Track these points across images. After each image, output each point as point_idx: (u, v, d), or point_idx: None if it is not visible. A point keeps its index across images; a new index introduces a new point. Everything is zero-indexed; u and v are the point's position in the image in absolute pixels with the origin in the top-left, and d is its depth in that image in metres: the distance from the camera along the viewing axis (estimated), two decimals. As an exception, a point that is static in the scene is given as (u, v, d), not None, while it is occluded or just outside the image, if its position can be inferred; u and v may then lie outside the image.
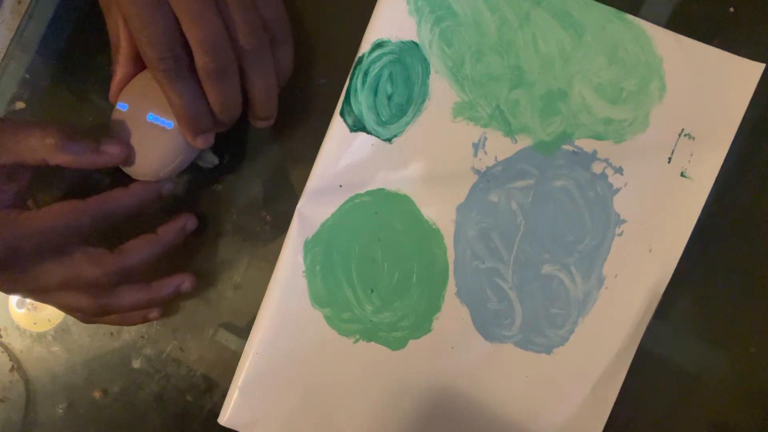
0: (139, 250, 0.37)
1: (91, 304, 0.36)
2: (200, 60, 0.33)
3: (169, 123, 0.35)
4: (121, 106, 0.36)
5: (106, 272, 0.35)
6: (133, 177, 0.37)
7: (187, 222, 0.39)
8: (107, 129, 0.37)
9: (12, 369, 0.42)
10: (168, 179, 0.37)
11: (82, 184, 0.41)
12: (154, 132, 0.36)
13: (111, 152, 0.35)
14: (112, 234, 0.37)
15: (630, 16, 0.40)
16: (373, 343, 0.40)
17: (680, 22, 0.40)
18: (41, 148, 0.34)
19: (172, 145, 0.36)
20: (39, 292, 0.36)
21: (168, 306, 0.41)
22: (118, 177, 0.38)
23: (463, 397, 0.40)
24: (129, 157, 0.36)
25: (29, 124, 0.35)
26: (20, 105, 0.42)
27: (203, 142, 0.36)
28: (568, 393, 0.40)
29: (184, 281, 0.39)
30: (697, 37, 0.39)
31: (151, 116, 0.35)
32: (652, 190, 0.40)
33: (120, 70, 0.36)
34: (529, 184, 0.40)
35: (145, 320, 0.40)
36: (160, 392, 0.41)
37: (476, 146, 0.40)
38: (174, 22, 0.32)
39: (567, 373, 0.40)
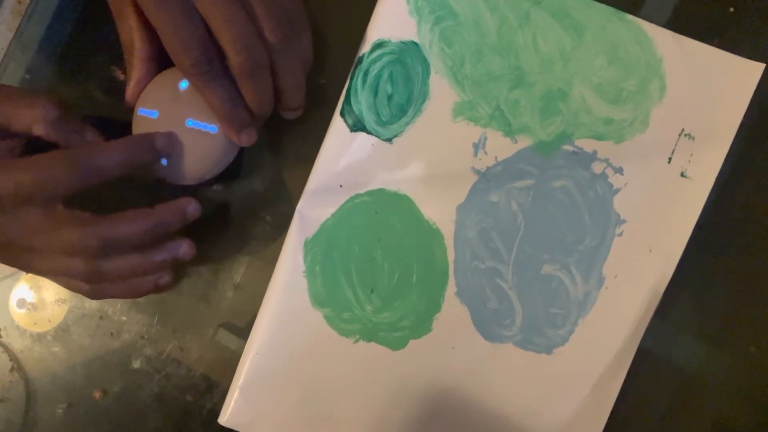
0: (127, 220, 0.34)
1: (81, 268, 0.34)
2: (235, 60, 0.33)
3: (212, 127, 0.36)
4: (149, 113, 0.36)
5: (89, 234, 0.33)
6: (175, 183, 0.37)
7: (188, 204, 0.36)
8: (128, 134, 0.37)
9: (12, 369, 0.41)
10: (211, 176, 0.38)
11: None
12: (197, 137, 0.36)
13: (89, 140, 0.36)
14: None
15: (630, 16, 0.40)
16: (373, 343, 0.40)
17: (680, 22, 0.40)
18: (28, 116, 0.34)
19: (217, 148, 0.36)
20: (26, 252, 0.34)
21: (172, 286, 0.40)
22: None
23: (463, 397, 0.40)
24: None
25: (25, 92, 0.35)
26: (20, 105, 0.42)
27: (248, 138, 0.36)
28: (568, 393, 0.40)
29: (181, 245, 0.37)
30: (697, 37, 0.39)
31: (191, 122, 0.36)
32: (652, 190, 0.40)
33: (136, 72, 0.37)
34: (529, 184, 0.40)
35: (156, 288, 0.37)
36: (160, 392, 0.41)
37: (476, 146, 0.40)
38: (203, 26, 0.32)
39: (567, 373, 0.40)
